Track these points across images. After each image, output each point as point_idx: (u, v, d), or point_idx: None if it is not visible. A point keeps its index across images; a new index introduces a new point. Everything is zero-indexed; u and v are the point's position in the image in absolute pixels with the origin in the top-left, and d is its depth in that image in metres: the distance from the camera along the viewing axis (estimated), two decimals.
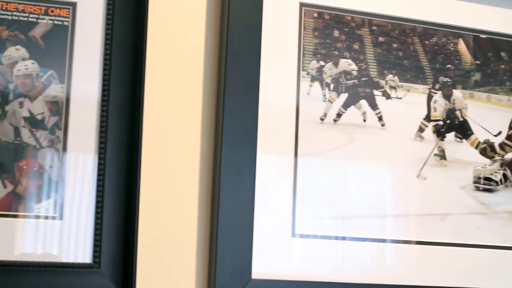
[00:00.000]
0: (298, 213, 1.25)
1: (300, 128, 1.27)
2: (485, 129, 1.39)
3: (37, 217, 1.16)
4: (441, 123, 1.37)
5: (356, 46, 1.34)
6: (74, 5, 1.22)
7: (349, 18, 1.34)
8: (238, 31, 1.24)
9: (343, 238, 1.28)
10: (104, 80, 1.20)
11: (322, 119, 1.29)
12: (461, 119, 1.39)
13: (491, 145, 1.39)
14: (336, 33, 1.33)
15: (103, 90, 1.20)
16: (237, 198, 1.21)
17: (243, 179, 1.21)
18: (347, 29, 1.33)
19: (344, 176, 1.30)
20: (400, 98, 1.35)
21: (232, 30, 1.23)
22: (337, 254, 1.27)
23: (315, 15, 1.32)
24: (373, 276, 1.27)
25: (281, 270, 1.23)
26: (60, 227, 1.17)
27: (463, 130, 1.39)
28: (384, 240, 1.29)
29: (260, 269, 1.21)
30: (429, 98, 1.37)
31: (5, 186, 1.15)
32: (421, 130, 1.35)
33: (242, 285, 1.20)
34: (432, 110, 1.37)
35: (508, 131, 1.41)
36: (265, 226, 1.23)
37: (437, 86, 1.38)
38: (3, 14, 1.19)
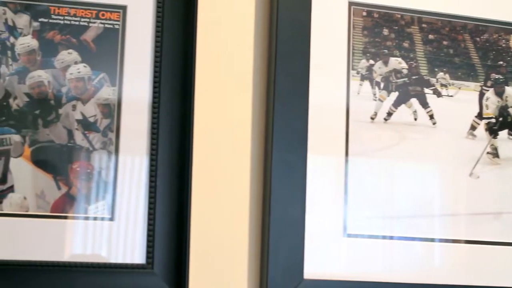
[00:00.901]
0: (349, 212, 1.24)
1: (350, 127, 1.26)
2: None
3: (91, 218, 1.17)
4: (493, 120, 1.35)
5: (406, 44, 1.33)
6: (124, 8, 1.23)
7: (399, 16, 1.32)
8: (287, 32, 1.24)
9: (394, 238, 1.26)
10: (154, 82, 1.21)
11: (372, 118, 1.28)
12: None
13: None
14: (385, 31, 1.32)
15: (154, 92, 1.21)
16: (288, 198, 1.20)
17: (294, 180, 1.21)
18: (396, 27, 1.32)
19: (395, 175, 1.29)
20: (451, 96, 1.34)
21: (281, 31, 1.23)
22: (387, 253, 1.26)
23: (364, 14, 1.31)
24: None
25: (333, 270, 1.23)
26: (113, 228, 1.18)
27: None
28: (432, 240, 1.27)
29: (312, 269, 1.21)
30: (481, 95, 1.35)
31: (59, 188, 1.17)
32: (473, 128, 1.33)
33: (294, 285, 1.19)
34: (484, 107, 1.35)
35: None
36: (317, 226, 1.22)
37: (489, 83, 1.36)
38: (55, 19, 1.20)
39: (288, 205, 1.20)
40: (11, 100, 1.17)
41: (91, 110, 1.19)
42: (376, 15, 1.32)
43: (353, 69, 1.29)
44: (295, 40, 1.24)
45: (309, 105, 1.24)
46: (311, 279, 1.21)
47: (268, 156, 1.22)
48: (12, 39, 1.19)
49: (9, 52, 1.19)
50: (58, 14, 1.21)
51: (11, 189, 1.16)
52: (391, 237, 1.27)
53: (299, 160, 1.22)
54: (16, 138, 1.17)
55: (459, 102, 1.35)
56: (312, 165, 1.23)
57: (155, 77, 1.21)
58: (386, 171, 1.28)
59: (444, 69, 1.34)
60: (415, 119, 1.31)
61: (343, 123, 1.26)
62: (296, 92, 1.23)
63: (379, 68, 1.31)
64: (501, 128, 1.36)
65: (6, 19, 1.19)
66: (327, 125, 1.25)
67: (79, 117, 1.19)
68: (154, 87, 1.21)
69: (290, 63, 1.23)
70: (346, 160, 1.26)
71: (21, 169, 1.16)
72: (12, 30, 1.19)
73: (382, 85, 1.31)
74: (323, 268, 1.22)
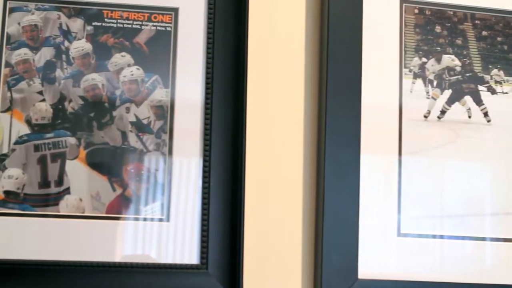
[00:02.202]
0: (403, 212, 1.23)
1: (403, 126, 1.25)
2: None
3: (145, 219, 1.18)
4: None
5: (459, 41, 1.31)
6: (176, 10, 1.24)
7: (451, 13, 1.31)
8: (338, 30, 1.23)
9: (446, 237, 1.24)
10: (207, 83, 1.21)
11: (425, 117, 1.27)
12: None
13: None
14: (438, 28, 1.30)
15: (206, 93, 1.21)
16: (341, 198, 1.20)
17: (347, 180, 1.20)
18: (449, 24, 1.30)
19: (448, 174, 1.27)
20: (506, 93, 1.31)
21: (332, 29, 1.23)
22: (439, 253, 1.25)
23: (416, 11, 1.29)
24: None
25: (387, 269, 1.22)
26: (168, 229, 1.19)
27: None
28: (484, 239, 1.25)
29: (366, 269, 1.20)
30: None
31: (114, 190, 1.18)
32: None
33: (348, 285, 1.19)
34: None
35: None
36: (371, 226, 1.21)
37: None
38: (109, 22, 1.22)
39: (342, 205, 1.20)
40: (66, 103, 1.19)
41: (144, 112, 1.20)
42: (428, 12, 1.30)
43: (405, 67, 1.28)
44: (347, 38, 1.24)
45: (361, 104, 1.23)
46: (365, 279, 1.20)
47: (320, 156, 1.21)
48: (66, 43, 1.21)
49: (64, 56, 1.20)
50: (111, 18, 1.22)
51: (67, 191, 1.17)
52: (444, 237, 1.25)
53: (352, 160, 1.21)
54: (72, 140, 1.18)
55: None
56: (365, 165, 1.22)
57: (207, 78, 1.21)
58: (439, 170, 1.27)
59: (498, 66, 1.32)
60: (469, 117, 1.30)
61: (396, 122, 1.25)
62: (349, 91, 1.22)
63: (432, 66, 1.29)
64: None
65: (60, 24, 1.21)
66: (380, 124, 1.24)
67: (133, 119, 1.20)
68: (207, 88, 1.21)
69: (342, 62, 1.22)
70: (399, 160, 1.24)
71: (77, 171, 1.18)
72: (67, 34, 1.21)
73: (435, 83, 1.30)
74: (377, 268, 1.22)
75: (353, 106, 1.22)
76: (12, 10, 1.20)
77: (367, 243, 1.21)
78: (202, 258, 1.18)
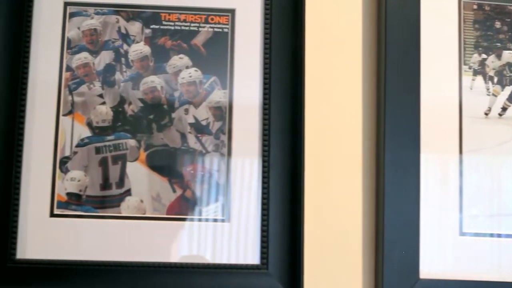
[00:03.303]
0: (464, 211, 1.21)
1: (464, 124, 1.23)
2: None
3: (206, 220, 1.19)
4: None
5: None
6: (233, 12, 1.24)
7: (511, 8, 1.28)
8: (396, 29, 1.22)
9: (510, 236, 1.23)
10: (264, 83, 1.22)
11: (486, 114, 1.25)
12: None
13: None
14: (497, 24, 1.28)
15: (264, 94, 1.21)
16: (402, 197, 1.19)
17: (408, 179, 1.19)
18: (509, 20, 1.28)
19: (510, 171, 1.24)
20: None
21: (390, 27, 1.22)
22: (504, 252, 1.23)
23: (475, 7, 1.28)
24: None
25: (450, 269, 1.21)
26: (228, 229, 1.19)
27: None
28: None
29: (427, 269, 1.19)
30: None
31: (174, 191, 1.19)
32: None
33: (410, 285, 1.18)
34: None
35: None
36: (432, 225, 1.20)
37: None
38: (166, 25, 1.23)
39: (402, 204, 1.19)
40: (126, 106, 1.20)
41: (203, 113, 1.21)
42: (487, 8, 1.28)
43: (465, 64, 1.26)
44: (405, 36, 1.23)
45: (420, 102, 1.22)
46: (427, 278, 1.19)
47: (380, 155, 1.20)
48: (125, 46, 1.22)
49: (123, 59, 1.21)
50: (169, 20, 1.23)
51: (128, 192, 1.19)
52: (509, 235, 1.23)
53: (412, 159, 1.20)
54: (132, 142, 1.20)
55: None
56: (425, 164, 1.21)
57: (265, 78, 1.21)
58: (502, 167, 1.25)
59: None
60: None
61: (456, 119, 1.24)
62: (407, 89, 1.21)
63: (492, 62, 1.27)
64: None
65: (119, 27, 1.22)
66: (439, 122, 1.23)
67: (192, 120, 1.21)
68: (264, 88, 1.21)
69: (400, 59, 1.21)
70: (461, 158, 1.23)
71: (137, 173, 1.19)
72: (125, 37, 1.22)
73: (495, 79, 1.28)
74: (439, 267, 1.20)
75: (412, 105, 1.21)
76: (72, 15, 1.22)
77: (428, 243, 1.20)
78: (262, 258, 1.18)
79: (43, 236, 1.17)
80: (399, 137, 1.19)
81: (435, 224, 1.20)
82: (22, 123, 1.18)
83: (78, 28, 1.22)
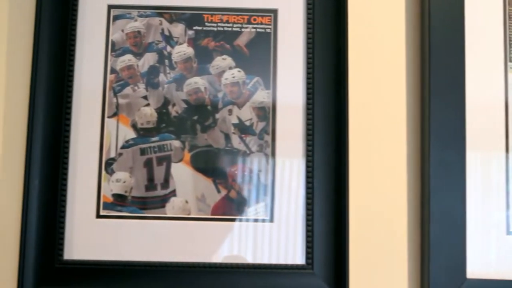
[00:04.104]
0: (511, 210, 1.20)
1: (510, 122, 1.22)
2: None
3: (250, 220, 1.19)
4: None
5: None
6: (275, 12, 1.24)
7: None
8: (440, 26, 1.21)
9: None
10: (308, 83, 1.21)
11: None
12: None
13: None
14: None
15: (308, 93, 1.21)
16: (447, 197, 1.18)
17: (453, 178, 1.18)
18: None
19: None
20: None
21: (433, 25, 1.21)
22: None
23: None
24: None
25: (496, 269, 1.19)
26: (272, 229, 1.19)
27: None
28: None
29: (475, 268, 1.18)
30: None
31: (219, 191, 1.19)
32: None
33: (457, 285, 1.17)
34: None
35: None
36: (478, 224, 1.19)
37: None
38: (209, 26, 1.23)
39: (448, 204, 1.18)
40: (170, 107, 1.21)
41: (247, 113, 1.21)
42: None
43: (510, 61, 1.24)
44: (449, 34, 1.21)
45: (465, 101, 1.20)
46: (474, 278, 1.18)
47: (425, 155, 1.20)
48: (168, 48, 1.23)
49: (166, 61, 1.22)
50: (211, 22, 1.23)
51: (173, 193, 1.19)
52: None
53: (458, 158, 1.19)
54: (176, 143, 1.20)
55: None
56: (471, 163, 1.20)
57: (308, 78, 1.21)
58: None
59: None
60: None
61: (502, 117, 1.22)
62: (452, 88, 1.20)
63: None
64: None
65: (162, 29, 1.23)
66: (485, 121, 1.22)
67: (236, 121, 1.21)
68: (308, 88, 1.21)
69: (444, 58, 1.20)
70: (507, 156, 1.21)
71: (182, 174, 1.20)
72: (169, 39, 1.23)
73: None
74: (487, 267, 1.19)
75: (457, 103, 1.20)
76: (116, 17, 1.23)
77: (475, 242, 1.19)
78: (307, 258, 1.18)
79: (89, 237, 1.18)
80: (444, 136, 1.18)
81: (481, 224, 1.19)
82: (68, 125, 1.19)
83: (122, 31, 1.23)
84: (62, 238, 1.17)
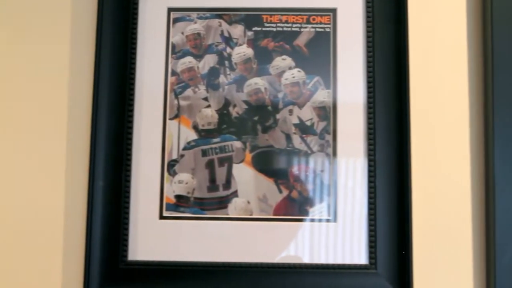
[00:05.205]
0: None
1: None
2: None
3: (312, 220, 1.19)
4: None
5: None
6: (334, 11, 1.23)
7: None
8: (502, 24, 1.19)
9: None
10: (368, 82, 1.21)
11: None
12: None
13: None
14: None
15: (369, 93, 1.20)
16: None
17: None
18: None
19: None
20: None
21: (496, 22, 1.19)
22: None
23: None
24: None
25: None
26: (335, 229, 1.19)
27: None
28: None
29: None
30: None
31: (280, 191, 1.19)
32: None
33: None
34: None
35: None
36: None
37: None
38: (268, 27, 1.23)
39: None
40: (230, 108, 1.21)
41: (307, 113, 1.21)
42: None
43: None
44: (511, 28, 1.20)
45: None
46: None
47: (489, 152, 1.18)
48: (228, 49, 1.23)
49: (226, 62, 1.23)
50: (271, 22, 1.23)
51: (235, 194, 1.20)
52: None
53: None
54: (237, 144, 1.21)
55: None
56: None
57: (368, 77, 1.21)
58: None
59: None
60: None
61: None
62: None
63: None
64: None
65: (222, 31, 1.24)
66: None
67: (296, 121, 1.21)
68: (368, 87, 1.20)
69: (507, 54, 1.19)
70: None
71: (244, 174, 1.20)
72: (228, 40, 1.23)
73: None
74: None
75: None
76: (176, 20, 1.24)
77: None
78: (370, 258, 1.17)
79: (153, 238, 1.19)
80: (509, 133, 1.17)
81: None
82: (131, 127, 1.20)
83: (182, 33, 1.23)
84: (126, 239, 1.18)
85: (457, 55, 1.21)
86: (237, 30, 1.23)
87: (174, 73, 1.22)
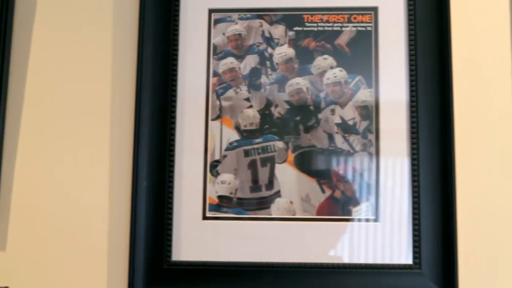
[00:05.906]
0: None
1: None
2: None
3: (355, 220, 1.18)
4: None
5: None
6: (375, 9, 1.23)
7: None
8: None
9: None
10: (411, 81, 1.20)
11: None
12: None
13: None
14: None
15: (411, 91, 1.20)
16: None
17: None
18: None
19: None
20: None
21: None
22: None
23: None
24: None
25: None
26: (378, 229, 1.18)
27: None
28: None
29: None
30: None
31: (323, 191, 1.19)
32: None
33: None
34: None
35: None
36: None
37: None
38: (309, 26, 1.23)
39: None
40: (272, 108, 1.22)
41: (349, 113, 1.21)
42: None
43: None
44: None
45: None
46: None
47: None
48: (269, 50, 1.23)
49: (267, 63, 1.23)
50: (311, 22, 1.23)
51: (278, 194, 1.20)
52: None
53: None
54: (280, 144, 1.21)
55: None
56: None
57: (411, 76, 1.20)
58: None
59: None
60: None
61: None
62: None
63: None
64: None
65: (263, 31, 1.24)
66: None
67: (338, 120, 1.21)
68: (411, 86, 1.20)
69: None
70: None
71: (286, 174, 1.20)
72: (269, 41, 1.23)
73: None
74: None
75: None
76: (217, 21, 1.25)
77: None
78: (415, 258, 1.17)
79: (196, 238, 1.20)
80: None
81: None
82: (173, 128, 1.21)
83: (223, 34, 1.24)
84: (170, 240, 1.19)
85: (500, 53, 1.21)
86: (278, 30, 1.23)
87: (215, 74, 1.23)
